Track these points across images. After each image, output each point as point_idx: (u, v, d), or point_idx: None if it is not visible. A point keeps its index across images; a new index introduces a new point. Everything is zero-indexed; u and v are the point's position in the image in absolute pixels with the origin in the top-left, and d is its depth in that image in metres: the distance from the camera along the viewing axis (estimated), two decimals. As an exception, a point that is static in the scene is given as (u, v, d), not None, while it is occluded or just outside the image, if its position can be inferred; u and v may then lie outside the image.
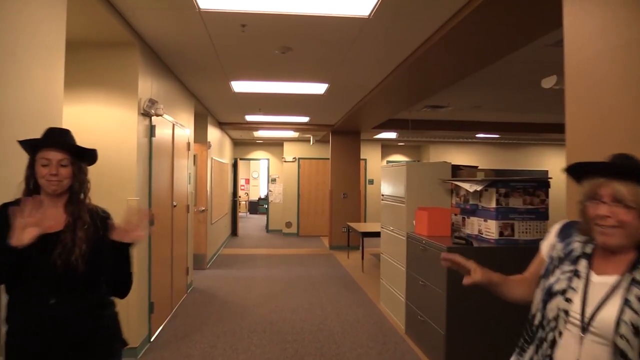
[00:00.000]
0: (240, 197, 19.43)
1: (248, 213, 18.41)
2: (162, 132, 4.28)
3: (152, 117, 3.88)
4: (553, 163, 12.25)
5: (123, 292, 1.69)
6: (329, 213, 9.52)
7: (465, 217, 3.80)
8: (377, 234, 6.89)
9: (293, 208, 11.53)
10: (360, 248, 7.41)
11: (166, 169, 4.46)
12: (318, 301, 5.33)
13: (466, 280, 1.36)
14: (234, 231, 11.42)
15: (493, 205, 3.34)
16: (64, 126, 1.89)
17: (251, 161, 19.38)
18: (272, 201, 12.10)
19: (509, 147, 12.13)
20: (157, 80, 4.11)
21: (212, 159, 7.64)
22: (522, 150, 12.21)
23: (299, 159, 11.57)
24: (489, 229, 3.40)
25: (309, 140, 11.22)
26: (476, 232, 3.61)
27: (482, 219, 3.51)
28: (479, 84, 5.44)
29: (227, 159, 10.16)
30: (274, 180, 12.25)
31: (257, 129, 9.15)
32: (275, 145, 12.41)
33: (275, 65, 4.40)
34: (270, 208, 12.14)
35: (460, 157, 11.97)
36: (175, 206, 4.77)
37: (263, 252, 8.99)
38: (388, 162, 12.70)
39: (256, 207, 18.16)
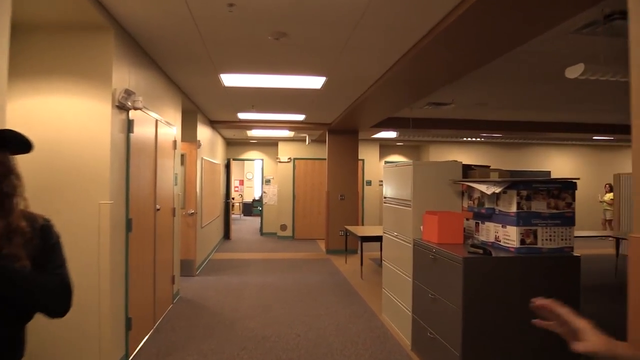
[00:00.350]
0: (234, 198, 19.00)
1: (242, 215, 17.99)
2: (143, 128, 3.87)
3: (130, 111, 3.47)
4: (556, 163, 11.93)
5: (50, 309, 1.23)
6: (325, 215, 9.13)
7: (480, 222, 3.42)
8: (377, 239, 6.51)
9: (288, 210, 11.13)
10: (359, 253, 7.02)
11: (148, 169, 4.05)
12: (315, 312, 4.93)
13: (578, 347, 0.88)
14: (227, 234, 11.00)
15: (513, 209, 2.96)
16: (18, 122, 1.48)
17: (245, 162, 18.96)
18: (267, 203, 11.69)
19: (511, 147, 11.80)
20: (137, 70, 3.70)
21: (202, 159, 7.23)
22: (524, 150, 11.88)
23: (294, 159, 11.17)
24: (509, 236, 3.02)
25: (305, 140, 10.83)
26: (492, 239, 3.23)
27: (500, 225, 3.13)
28: (485, 78, 5.08)
29: (219, 159, 9.75)
30: (268, 181, 11.84)
31: (250, 128, 8.75)
32: (269, 145, 12.01)
33: (268, 54, 4.00)
34: (264, 210, 11.72)
35: (461, 157, 11.60)
36: (158, 210, 4.36)
37: (256, 256, 8.57)
38: (386, 162, 12.33)
39: (250, 209, 17.73)
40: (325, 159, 10.67)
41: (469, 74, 4.32)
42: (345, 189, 9.01)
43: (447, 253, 3.08)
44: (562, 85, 5.43)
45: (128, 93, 3.24)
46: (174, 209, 5.11)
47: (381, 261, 7.91)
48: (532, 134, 8.88)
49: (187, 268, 6.53)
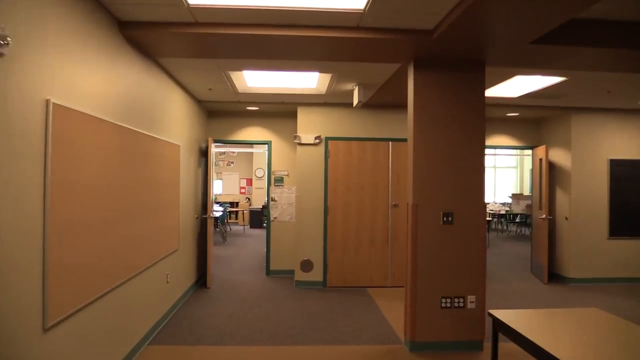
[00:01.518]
0: (237, 204, 14.12)
1: (248, 226, 13.10)
2: None
3: None
4: None
5: None
6: (407, 254, 4.08)
7: None
8: None
9: (315, 233, 6.09)
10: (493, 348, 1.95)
11: None
12: None
13: None
14: (201, 279, 6.06)
15: None
16: None
17: (254, 153, 14.05)
18: (277, 219, 6.68)
19: None
20: None
21: (50, 103, 2.26)
22: None
23: (327, 139, 6.13)
24: None
25: (351, 101, 5.81)
26: None
27: None
28: None
29: (177, 138, 4.80)
30: (279, 180, 6.82)
31: (227, 53, 3.77)
32: (281, 115, 6.92)
33: None
34: (272, 231, 6.70)
35: (629, 135, 6.46)
36: None
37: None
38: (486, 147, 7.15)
39: (260, 219, 12.82)
40: (389, 140, 5.69)
41: None
42: (455, 199, 3.91)
43: None
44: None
45: None
46: None
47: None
48: None
49: None
